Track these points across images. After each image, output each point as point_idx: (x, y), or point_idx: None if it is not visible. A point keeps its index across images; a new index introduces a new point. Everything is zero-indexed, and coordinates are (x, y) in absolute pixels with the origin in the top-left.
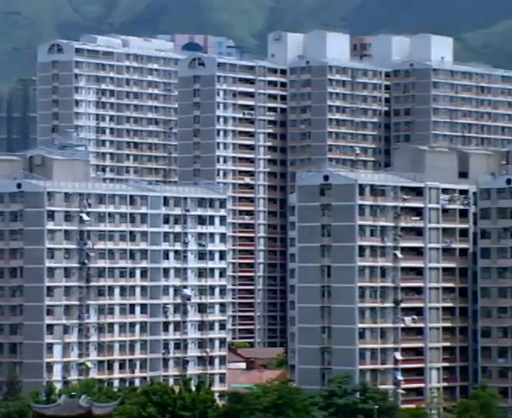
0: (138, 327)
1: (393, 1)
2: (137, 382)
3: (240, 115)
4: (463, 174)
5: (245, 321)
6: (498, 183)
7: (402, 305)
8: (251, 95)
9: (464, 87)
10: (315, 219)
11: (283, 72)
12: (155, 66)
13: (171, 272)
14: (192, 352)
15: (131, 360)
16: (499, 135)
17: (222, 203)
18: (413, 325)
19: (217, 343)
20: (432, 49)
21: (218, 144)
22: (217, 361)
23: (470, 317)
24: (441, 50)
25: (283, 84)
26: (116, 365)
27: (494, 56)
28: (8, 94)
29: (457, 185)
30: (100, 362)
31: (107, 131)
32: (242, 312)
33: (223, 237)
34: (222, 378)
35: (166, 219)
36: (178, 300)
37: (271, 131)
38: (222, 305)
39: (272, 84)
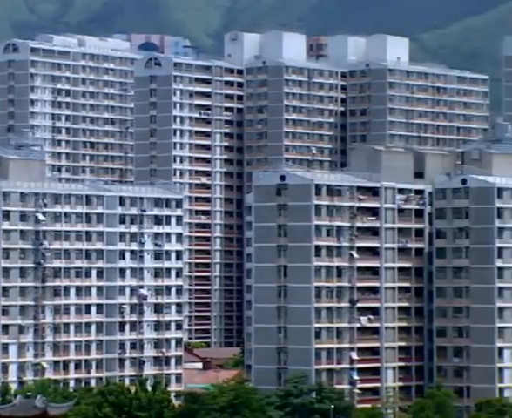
0: (93, 327)
1: (350, 1)
2: (92, 382)
3: (197, 115)
4: (419, 174)
5: (201, 321)
6: (453, 183)
7: (358, 304)
8: (207, 95)
9: (420, 87)
10: (272, 219)
11: (239, 72)
12: (111, 66)
13: (128, 272)
14: (148, 352)
15: (86, 361)
16: (454, 135)
17: (178, 203)
18: (369, 324)
19: (173, 343)
20: (388, 49)
21: (174, 143)
22: (173, 361)
23: (426, 317)
24: (396, 50)
25: (240, 84)
26: (71, 365)
27: (449, 56)
28: None
29: (413, 185)
30: (56, 362)
31: (63, 130)
32: (198, 312)
33: (179, 237)
34: (178, 378)
35: (122, 219)
36: (135, 300)
37: (227, 131)
38: (178, 305)
39: (229, 84)
